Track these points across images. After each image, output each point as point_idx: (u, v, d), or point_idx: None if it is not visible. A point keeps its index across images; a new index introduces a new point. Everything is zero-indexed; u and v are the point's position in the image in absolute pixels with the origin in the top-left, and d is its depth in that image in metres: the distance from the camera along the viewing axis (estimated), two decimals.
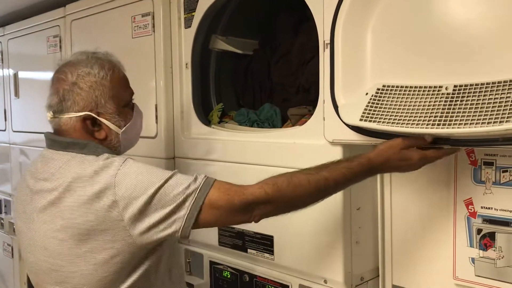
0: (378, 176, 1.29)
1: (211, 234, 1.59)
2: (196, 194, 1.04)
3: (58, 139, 1.14)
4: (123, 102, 1.18)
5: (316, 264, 1.30)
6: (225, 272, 1.56)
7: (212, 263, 1.60)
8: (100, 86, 1.13)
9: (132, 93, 1.23)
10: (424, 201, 1.23)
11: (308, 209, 1.28)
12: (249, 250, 1.48)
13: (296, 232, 1.33)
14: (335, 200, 1.24)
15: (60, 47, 2.20)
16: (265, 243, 1.42)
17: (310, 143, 1.29)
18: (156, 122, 1.72)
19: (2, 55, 2.68)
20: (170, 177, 1.05)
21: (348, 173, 1.07)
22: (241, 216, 1.06)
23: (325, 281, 1.28)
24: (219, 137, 1.55)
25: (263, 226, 1.41)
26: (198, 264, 1.65)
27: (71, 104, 1.12)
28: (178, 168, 1.71)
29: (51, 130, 1.19)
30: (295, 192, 1.06)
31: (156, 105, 1.71)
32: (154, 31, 1.71)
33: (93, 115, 1.13)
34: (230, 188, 1.06)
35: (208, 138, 1.59)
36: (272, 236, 1.40)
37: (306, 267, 1.32)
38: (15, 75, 2.56)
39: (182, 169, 1.69)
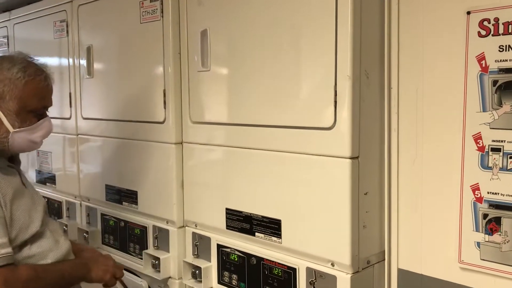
0: (386, 160, 1.31)
1: (218, 218, 1.61)
2: None
3: None
4: (29, 108, 1.28)
5: (323, 248, 1.32)
6: (232, 255, 1.59)
7: (219, 246, 1.63)
8: (11, 84, 1.25)
9: (46, 107, 1.33)
10: (430, 186, 1.24)
11: (316, 194, 1.32)
12: (256, 234, 1.50)
13: (304, 216, 1.35)
14: (343, 185, 1.26)
15: (67, 32, 2.21)
16: (273, 227, 1.44)
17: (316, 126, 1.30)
18: (165, 108, 1.73)
19: (8, 40, 2.68)
20: None
21: (73, 265, 1.38)
22: None
23: (332, 264, 1.31)
24: (228, 122, 1.56)
25: (271, 210, 1.44)
26: (205, 247, 1.68)
27: None
28: (186, 153, 1.72)
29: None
30: None
31: (164, 90, 1.73)
32: (162, 16, 1.71)
33: None
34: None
35: (217, 122, 1.60)
36: (279, 220, 1.42)
37: (314, 250, 1.34)
38: None
39: (190, 155, 1.71)
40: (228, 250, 1.60)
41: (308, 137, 1.32)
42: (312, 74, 1.31)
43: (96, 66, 2.05)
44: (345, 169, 1.25)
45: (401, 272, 1.33)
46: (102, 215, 2.10)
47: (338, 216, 1.28)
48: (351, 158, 1.25)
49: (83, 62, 2.10)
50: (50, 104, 1.35)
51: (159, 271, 1.78)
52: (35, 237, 1.29)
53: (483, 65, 1.13)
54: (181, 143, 1.74)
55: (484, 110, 1.13)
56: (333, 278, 1.30)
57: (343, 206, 1.26)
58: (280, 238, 1.43)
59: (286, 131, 1.38)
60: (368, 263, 1.33)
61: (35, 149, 1.40)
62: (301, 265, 1.38)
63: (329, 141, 1.28)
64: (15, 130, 1.27)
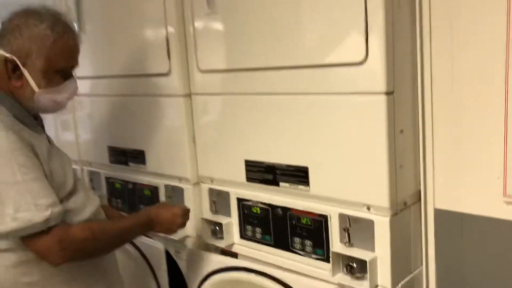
0: (419, 94, 1.22)
1: (237, 171, 1.52)
2: (26, 224, 1.08)
3: None
4: (56, 68, 1.21)
5: (357, 192, 1.25)
6: (254, 208, 1.51)
7: (240, 200, 1.55)
8: (39, 41, 1.18)
9: (73, 67, 1.27)
10: (469, 118, 1.17)
11: (348, 136, 1.23)
12: (281, 184, 1.42)
13: (335, 160, 1.27)
14: (379, 124, 1.17)
15: None
16: (299, 175, 1.36)
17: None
18: (168, 57, 1.60)
19: None
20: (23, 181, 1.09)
21: (136, 223, 1.34)
22: (54, 257, 1.13)
23: (368, 208, 1.24)
24: (241, 67, 1.45)
25: (296, 158, 1.36)
26: (224, 203, 1.60)
27: (6, 43, 1.19)
28: (196, 105, 1.61)
29: None
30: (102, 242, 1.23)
31: (167, 38, 1.59)
32: None
33: (17, 61, 1.17)
34: (60, 241, 1.12)
35: (229, 69, 1.48)
36: (306, 167, 1.34)
37: (347, 195, 1.27)
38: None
39: (201, 107, 1.60)
40: (250, 203, 1.52)
41: (336, 75, 1.22)
42: (338, 5, 1.19)
43: (88, 19, 1.89)
44: (381, 105, 1.16)
45: (438, 212, 1.27)
46: (107, 178, 2.00)
47: (373, 157, 1.20)
48: (386, 93, 1.15)
49: (73, 16, 1.94)
50: (77, 64, 1.29)
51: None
52: (71, 193, 1.24)
53: None
54: (189, 95, 1.62)
55: None
56: (370, 223, 1.24)
57: (379, 146, 1.18)
58: (308, 186, 1.35)
59: (311, 71, 1.27)
60: (405, 204, 1.26)
61: (60, 111, 1.31)
62: (332, 212, 1.31)
63: (360, 77, 1.18)
64: (41, 90, 1.20)
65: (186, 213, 1.45)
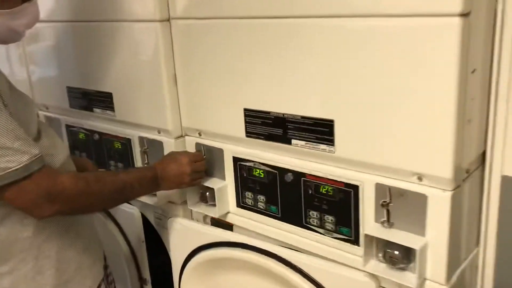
0: (499, 20, 0.86)
1: (233, 123, 1.16)
2: (2, 172, 0.90)
3: None
4: None
5: (405, 155, 0.90)
6: (256, 171, 1.17)
7: (237, 160, 1.20)
8: None
9: None
10: None
11: (399, 75, 0.87)
12: (293, 141, 1.07)
13: (374, 111, 0.92)
14: (447, 57, 0.80)
15: None
16: (320, 131, 1.01)
17: None
18: None
19: None
20: None
21: (140, 177, 1.13)
22: (40, 210, 0.96)
23: (420, 178, 0.90)
24: None
25: (317, 108, 1.00)
26: (216, 163, 1.25)
27: None
28: (177, 34, 1.22)
29: None
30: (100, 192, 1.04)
31: None
32: None
33: None
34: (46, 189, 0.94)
35: None
36: (331, 121, 0.98)
37: (389, 160, 0.93)
38: None
39: (184, 36, 1.21)
40: (250, 164, 1.17)
41: None
42: None
43: None
44: (454, 32, 0.78)
45: (506, 180, 0.95)
46: (68, 126, 1.62)
47: (434, 107, 0.84)
48: (461, 15, 0.78)
49: None
50: None
51: (154, 195, 1.37)
52: (34, 140, 1.01)
53: None
54: (169, 19, 1.22)
55: None
56: (421, 198, 0.90)
57: (444, 91, 0.82)
58: (333, 145, 1.00)
59: None
60: (467, 172, 0.93)
61: (16, 42, 1.07)
62: (366, 181, 0.97)
63: None
64: None
65: (195, 159, 1.22)
